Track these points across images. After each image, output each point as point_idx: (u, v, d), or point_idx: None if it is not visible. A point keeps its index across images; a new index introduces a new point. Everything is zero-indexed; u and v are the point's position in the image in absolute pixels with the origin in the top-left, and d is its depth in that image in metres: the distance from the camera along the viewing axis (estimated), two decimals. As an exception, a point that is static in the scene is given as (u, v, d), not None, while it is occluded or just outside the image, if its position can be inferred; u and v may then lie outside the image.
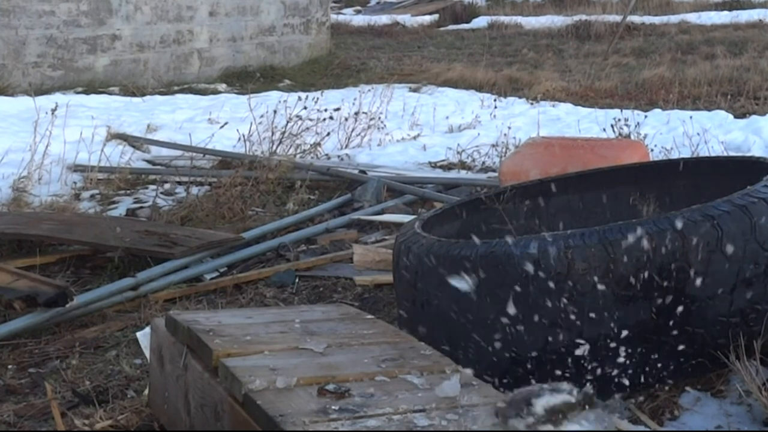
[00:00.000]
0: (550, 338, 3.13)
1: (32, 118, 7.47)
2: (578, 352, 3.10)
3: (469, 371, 2.47)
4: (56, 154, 7.37)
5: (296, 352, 2.61)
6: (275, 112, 7.81)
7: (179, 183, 7.08)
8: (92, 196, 6.91)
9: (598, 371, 3.06)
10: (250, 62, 13.51)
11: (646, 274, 3.07)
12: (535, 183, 4.64)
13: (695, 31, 16.84)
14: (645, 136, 7.29)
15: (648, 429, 3.06)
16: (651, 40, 16.16)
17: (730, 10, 19.64)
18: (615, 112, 8.07)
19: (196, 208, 6.14)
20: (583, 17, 18.24)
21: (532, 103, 10.29)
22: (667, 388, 3.24)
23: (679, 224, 3.11)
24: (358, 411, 2.16)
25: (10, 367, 3.94)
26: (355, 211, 6.20)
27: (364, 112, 8.69)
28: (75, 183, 7.13)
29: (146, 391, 3.34)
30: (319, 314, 3.07)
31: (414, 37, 18.82)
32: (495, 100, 10.25)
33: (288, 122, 7.84)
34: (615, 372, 3.10)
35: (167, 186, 7.03)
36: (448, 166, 7.73)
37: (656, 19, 18.62)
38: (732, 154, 7.20)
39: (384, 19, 21.33)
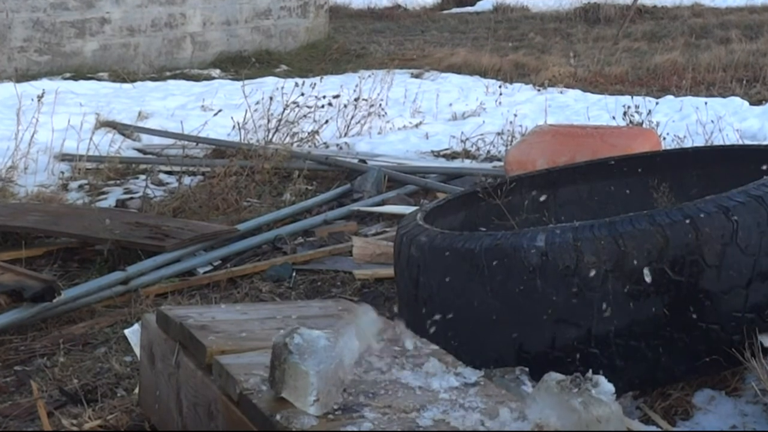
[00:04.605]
0: (557, 334, 3.13)
1: (18, 105, 7.46)
2: (586, 349, 3.10)
3: (472, 369, 2.46)
4: (43, 142, 7.36)
5: (293, 350, 2.60)
6: (271, 98, 7.80)
7: (171, 173, 7.08)
8: (80, 187, 6.91)
9: (608, 369, 3.05)
10: (245, 47, 13.49)
11: (657, 268, 3.07)
12: (542, 173, 4.64)
13: (709, 14, 16.80)
14: (657, 124, 7.28)
15: (660, 429, 3.06)
16: (663, 23, 16.14)
17: (745, -8, 19.58)
18: (625, 99, 8.06)
19: (188, 199, 6.14)
20: (592, 0, 18.21)
21: (539, 90, 10.28)
22: (680, 386, 3.24)
23: (692, 216, 3.10)
24: (358, 410, 2.16)
25: (-5, 364, 3.95)
26: (354, 202, 6.20)
27: (364, 99, 8.67)
28: (62, 173, 7.13)
29: (136, 390, 3.34)
30: (317, 310, 3.07)
31: (416, 21, 18.80)
32: (500, 87, 10.22)
33: (285, 109, 7.83)
34: (625, 370, 3.10)
35: (157, 176, 7.03)
36: (452, 155, 7.72)
37: (668, 2, 18.58)
38: (747, 142, 7.20)
39: (384, 1, 21.28)
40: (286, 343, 2.14)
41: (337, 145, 8.01)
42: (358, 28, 17.40)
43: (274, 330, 2.75)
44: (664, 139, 6.70)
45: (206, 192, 6.26)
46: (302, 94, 8.05)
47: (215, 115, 8.38)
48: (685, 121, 7.89)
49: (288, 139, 7.67)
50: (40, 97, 7.39)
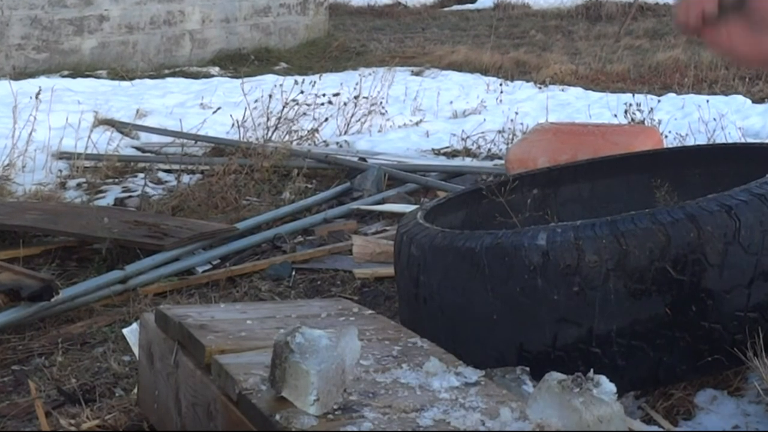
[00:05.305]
0: (558, 334, 3.13)
1: (15, 102, 7.46)
2: (588, 348, 3.10)
3: (473, 369, 2.46)
4: (41, 140, 7.36)
5: (293, 349, 2.60)
6: (271, 96, 7.80)
7: (170, 171, 7.08)
8: (79, 185, 6.91)
9: (610, 368, 3.05)
10: (245, 44, 13.49)
11: (659, 267, 3.07)
12: (543, 171, 4.64)
13: (712, 12, 16.77)
14: (659, 122, 7.29)
15: (662, 429, 3.06)
16: (665, 20, 16.13)
17: (748, -11, 19.53)
18: (627, 97, 8.05)
19: (187, 198, 6.14)
20: (594, -3, 18.20)
21: (540, 87, 10.28)
22: (682, 386, 3.24)
23: (694, 214, 3.10)
24: (358, 410, 2.16)
25: (-8, 364, 3.95)
26: (354, 200, 6.20)
27: (364, 97, 8.67)
28: (60, 171, 7.12)
29: (135, 390, 3.34)
30: (317, 309, 3.06)
31: (416, 18, 18.79)
32: (501, 84, 10.23)
33: (284, 107, 7.83)
34: (627, 369, 3.10)
35: (156, 174, 7.04)
36: (452, 154, 7.72)
37: (670, -1, 18.59)
38: (750, 140, 7.20)
39: (385, -2, 21.27)
40: (287, 342, 2.14)
41: (337, 143, 8.01)
42: (358, 25, 17.39)
43: (274, 330, 2.75)
44: (666, 137, 6.70)
45: (205, 190, 6.26)
46: (302, 92, 8.04)
47: (214, 113, 8.38)
48: (687, 119, 7.89)
49: (287, 137, 7.67)
50: (37, 95, 7.39)
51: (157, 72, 11.96)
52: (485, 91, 10.03)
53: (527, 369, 2.72)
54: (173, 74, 11.81)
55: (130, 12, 12.35)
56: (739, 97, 9.06)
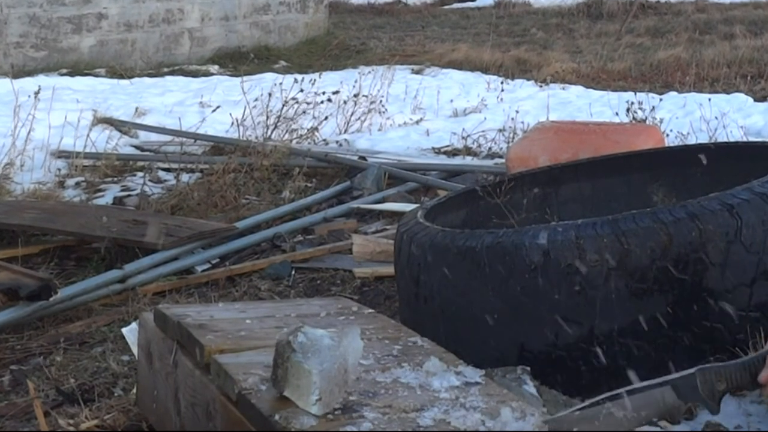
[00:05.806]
0: (559, 334, 3.13)
1: (14, 101, 7.46)
2: (589, 348, 3.10)
3: (473, 368, 2.46)
4: (39, 139, 7.36)
5: (292, 349, 2.60)
6: (270, 95, 7.80)
7: (169, 170, 7.08)
8: (77, 184, 6.91)
9: (610, 368, 3.05)
10: (244, 42, 13.48)
11: (661, 266, 3.07)
12: (544, 170, 4.63)
13: (713, 10, 16.80)
14: (660, 121, 7.28)
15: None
16: (666, 18, 16.14)
17: (750, -13, 19.54)
18: (628, 95, 8.05)
19: (186, 197, 6.14)
20: (595, -5, 18.20)
21: (541, 86, 10.27)
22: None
23: (696, 213, 3.10)
24: (357, 410, 2.16)
25: (-9, 363, 3.95)
26: (354, 199, 6.20)
27: (364, 95, 8.67)
28: (59, 170, 7.13)
29: (134, 390, 3.34)
30: (317, 308, 3.06)
31: (417, 16, 18.79)
32: (502, 83, 10.23)
33: (284, 106, 7.83)
34: (628, 369, 3.09)
35: (155, 173, 7.03)
36: (453, 152, 7.72)
37: (672, -3, 18.58)
38: (752, 139, 7.19)
39: (385, -3, 21.27)
40: (289, 342, 2.14)
41: (337, 141, 8.01)
42: (358, 23, 17.40)
43: (273, 329, 2.75)
44: (668, 135, 6.70)
45: (204, 189, 6.25)
46: (301, 91, 8.04)
47: (213, 111, 8.38)
48: (688, 117, 7.90)
49: (287, 136, 7.67)
50: (36, 94, 7.39)
51: (156, 70, 11.96)
52: (486, 90, 10.03)
53: (528, 369, 2.72)
54: (172, 72, 11.81)
55: (128, 10, 12.35)
56: (741, 96, 9.07)
